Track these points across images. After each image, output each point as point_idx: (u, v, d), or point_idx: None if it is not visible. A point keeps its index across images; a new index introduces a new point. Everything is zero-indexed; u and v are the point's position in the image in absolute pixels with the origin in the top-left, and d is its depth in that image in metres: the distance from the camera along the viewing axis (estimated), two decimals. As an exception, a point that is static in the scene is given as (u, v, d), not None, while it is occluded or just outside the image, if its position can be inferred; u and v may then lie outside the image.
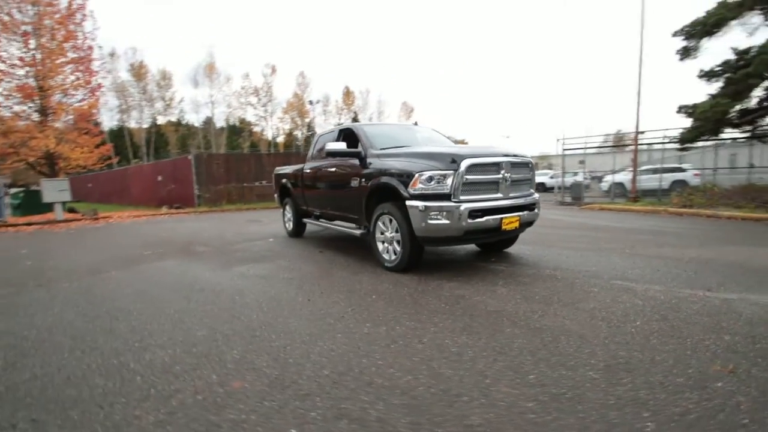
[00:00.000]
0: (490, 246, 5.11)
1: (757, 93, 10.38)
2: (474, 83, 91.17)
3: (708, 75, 10.16)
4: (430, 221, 3.74)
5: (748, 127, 11.33)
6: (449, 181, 3.74)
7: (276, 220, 10.12)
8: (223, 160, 17.68)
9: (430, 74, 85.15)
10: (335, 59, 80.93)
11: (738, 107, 10.24)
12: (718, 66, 9.97)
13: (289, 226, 7.26)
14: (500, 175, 3.99)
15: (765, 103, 10.50)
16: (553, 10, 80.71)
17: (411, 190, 3.86)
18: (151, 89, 45.85)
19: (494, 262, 4.59)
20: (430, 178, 3.77)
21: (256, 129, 56.17)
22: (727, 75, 9.45)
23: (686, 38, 11.07)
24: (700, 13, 10.05)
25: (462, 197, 3.77)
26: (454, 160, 3.78)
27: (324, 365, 2.17)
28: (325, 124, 59.93)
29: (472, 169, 3.79)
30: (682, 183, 14.83)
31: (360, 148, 4.87)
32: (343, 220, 5.50)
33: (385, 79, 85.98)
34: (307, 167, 6.27)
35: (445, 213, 3.70)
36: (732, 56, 9.77)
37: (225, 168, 17.13)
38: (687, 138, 11.56)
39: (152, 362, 2.27)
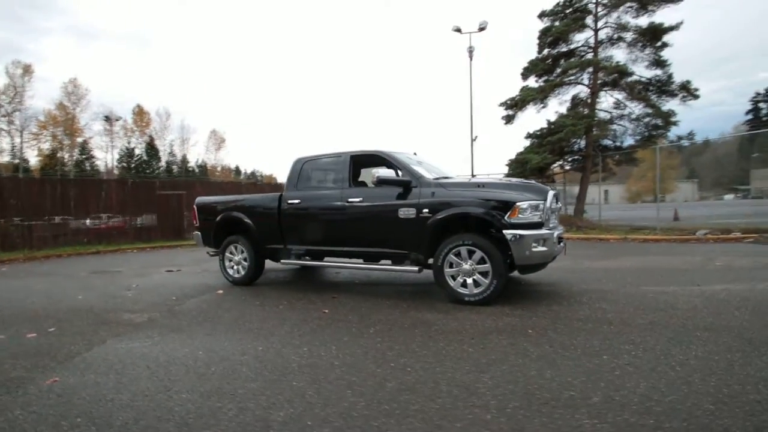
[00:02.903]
0: None
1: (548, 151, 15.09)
2: (297, 119, 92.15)
3: (531, 136, 14.17)
4: (534, 249, 3.85)
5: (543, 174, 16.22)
6: (541, 210, 3.98)
7: (147, 269, 7.66)
8: (-6, 187, 11.87)
9: (242, 105, 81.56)
10: (123, 72, 67.40)
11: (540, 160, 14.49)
12: (537, 131, 14.06)
13: (239, 271, 5.70)
14: (558, 205, 4.52)
15: (553, 157, 15.36)
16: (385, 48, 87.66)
17: (510, 220, 3.89)
18: None
19: (524, 285, 4.99)
20: (529, 208, 3.92)
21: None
22: (545, 138, 13.37)
23: (507, 109, 15.08)
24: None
25: (550, 225, 4.07)
26: (542, 190, 4.07)
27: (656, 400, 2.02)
28: (111, 146, 48.40)
29: (553, 198, 4.16)
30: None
31: (407, 177, 4.51)
32: (367, 257, 4.82)
33: (191, 104, 77.06)
34: (296, 196, 5.20)
35: (545, 240, 3.90)
36: (545, 125, 13.98)
37: (-3, 199, 11.57)
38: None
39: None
